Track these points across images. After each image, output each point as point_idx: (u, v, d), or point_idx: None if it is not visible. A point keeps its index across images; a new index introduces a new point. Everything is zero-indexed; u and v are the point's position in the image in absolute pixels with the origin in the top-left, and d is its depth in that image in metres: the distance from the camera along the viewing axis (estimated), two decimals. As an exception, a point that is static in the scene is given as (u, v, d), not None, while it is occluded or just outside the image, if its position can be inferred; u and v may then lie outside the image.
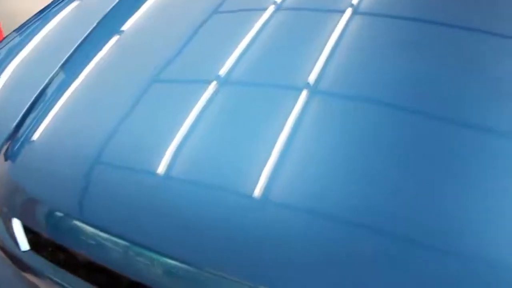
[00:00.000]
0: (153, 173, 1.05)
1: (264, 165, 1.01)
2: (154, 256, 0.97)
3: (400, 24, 1.32)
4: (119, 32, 1.44)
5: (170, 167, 1.06)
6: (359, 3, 1.36)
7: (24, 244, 1.15)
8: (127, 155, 1.11)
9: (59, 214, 1.09)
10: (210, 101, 1.16)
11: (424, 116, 1.08)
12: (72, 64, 1.37)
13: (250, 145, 1.07)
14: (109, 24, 1.48)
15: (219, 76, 1.22)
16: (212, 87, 1.19)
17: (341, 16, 1.32)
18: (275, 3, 1.42)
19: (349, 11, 1.34)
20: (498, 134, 1.03)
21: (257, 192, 0.98)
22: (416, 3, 1.38)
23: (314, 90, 1.15)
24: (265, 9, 1.39)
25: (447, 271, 0.86)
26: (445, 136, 1.03)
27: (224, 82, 1.21)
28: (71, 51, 1.40)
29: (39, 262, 1.13)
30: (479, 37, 1.25)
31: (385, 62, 1.19)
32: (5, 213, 1.16)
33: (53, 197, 1.11)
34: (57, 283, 1.11)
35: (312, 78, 1.17)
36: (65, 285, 1.09)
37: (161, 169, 1.06)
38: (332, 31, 1.27)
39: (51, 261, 1.12)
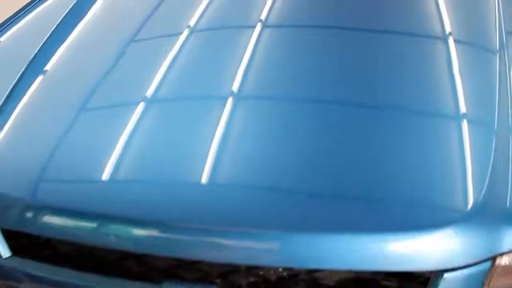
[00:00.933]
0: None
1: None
2: (131, 223, 1.09)
3: (304, 32, 1.59)
4: (44, 71, 1.53)
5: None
6: (266, 18, 1.61)
7: (5, 250, 1.19)
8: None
9: (41, 207, 1.16)
10: (145, 115, 1.31)
11: (331, 104, 1.32)
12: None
13: (188, 144, 1.22)
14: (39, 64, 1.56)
15: (146, 96, 1.37)
16: (143, 105, 1.34)
17: (253, 30, 1.56)
18: (189, 27, 1.62)
19: (259, 26, 1.58)
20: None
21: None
22: (316, 13, 1.66)
23: (235, 94, 1.34)
24: (181, 33, 1.58)
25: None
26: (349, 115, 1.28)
27: (153, 100, 1.37)
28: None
29: (23, 264, 1.18)
30: (372, 36, 1.54)
31: (295, 65, 1.43)
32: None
33: (31, 193, 1.18)
34: (44, 281, 1.17)
35: (234, 85, 1.36)
36: (53, 278, 1.15)
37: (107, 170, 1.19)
38: (247, 44, 1.50)
39: (36, 260, 1.17)
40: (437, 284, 1.01)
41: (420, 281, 1.03)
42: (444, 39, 1.47)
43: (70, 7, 1.77)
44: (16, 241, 1.20)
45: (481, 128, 1.21)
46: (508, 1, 1.61)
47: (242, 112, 1.32)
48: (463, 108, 1.25)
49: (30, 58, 1.55)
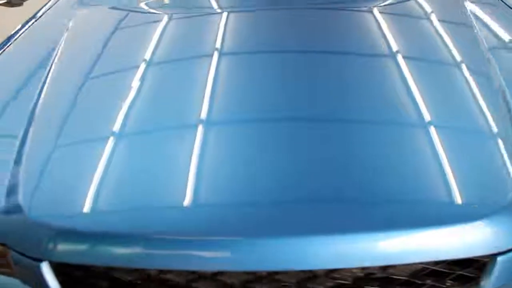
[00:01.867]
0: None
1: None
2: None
3: (262, 55, 1.70)
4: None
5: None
6: (221, 47, 1.72)
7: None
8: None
9: (97, 235, 1.14)
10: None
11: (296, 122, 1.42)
12: None
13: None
14: None
15: (115, 132, 1.40)
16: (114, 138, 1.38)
17: (211, 59, 1.65)
18: (145, 60, 1.68)
19: (215, 55, 1.68)
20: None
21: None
22: (271, 36, 1.78)
23: (203, 119, 1.42)
24: (138, 66, 1.66)
25: None
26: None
27: (130, 131, 1.42)
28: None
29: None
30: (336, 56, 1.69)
31: (256, 86, 1.53)
32: (29, 262, 1.13)
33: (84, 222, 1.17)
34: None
35: (203, 109, 1.44)
36: None
37: None
38: (207, 73, 1.58)
39: None
40: (492, 267, 1.13)
41: (477, 267, 1.15)
42: (443, 61, 1.65)
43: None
44: (64, 276, 1.15)
45: (500, 138, 1.35)
46: (481, 20, 1.85)
47: (212, 134, 1.38)
48: (482, 122, 1.40)
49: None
